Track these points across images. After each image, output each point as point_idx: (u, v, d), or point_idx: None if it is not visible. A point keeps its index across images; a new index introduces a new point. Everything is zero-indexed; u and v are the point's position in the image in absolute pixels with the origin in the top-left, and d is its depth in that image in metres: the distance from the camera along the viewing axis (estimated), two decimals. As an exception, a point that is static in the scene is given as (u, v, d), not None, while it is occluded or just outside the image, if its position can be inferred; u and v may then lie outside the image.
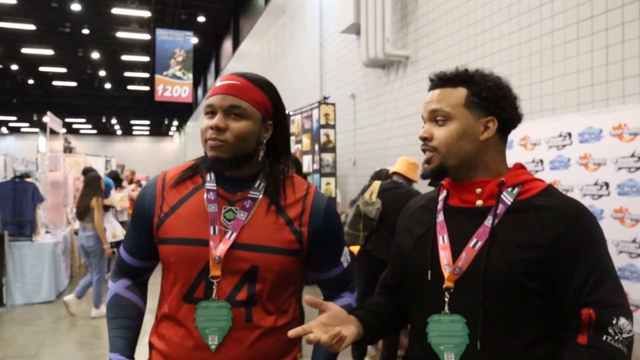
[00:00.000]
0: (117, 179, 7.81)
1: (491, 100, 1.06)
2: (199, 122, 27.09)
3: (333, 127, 6.60)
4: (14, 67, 23.38)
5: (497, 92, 1.08)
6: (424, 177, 1.12)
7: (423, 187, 4.20)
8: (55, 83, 27.07)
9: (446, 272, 1.02)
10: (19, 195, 6.45)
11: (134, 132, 38.44)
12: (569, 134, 4.13)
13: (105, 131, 37.20)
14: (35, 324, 5.20)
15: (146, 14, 16.56)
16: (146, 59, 21.14)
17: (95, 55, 21.94)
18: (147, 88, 26.60)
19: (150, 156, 36.04)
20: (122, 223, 7.26)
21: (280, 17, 12.11)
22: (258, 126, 1.18)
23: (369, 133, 7.50)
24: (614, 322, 0.91)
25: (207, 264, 1.13)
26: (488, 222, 1.02)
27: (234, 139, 1.13)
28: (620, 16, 3.77)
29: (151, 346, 1.24)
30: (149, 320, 1.29)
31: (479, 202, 1.06)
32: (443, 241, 1.06)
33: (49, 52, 20.71)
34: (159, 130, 38.47)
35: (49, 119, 8.12)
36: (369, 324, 1.14)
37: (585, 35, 4.05)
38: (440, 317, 1.02)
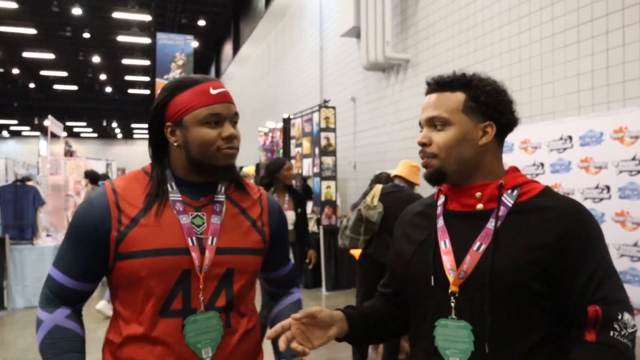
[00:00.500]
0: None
1: (489, 105, 1.06)
2: (199, 126, 27.28)
3: (333, 130, 6.60)
4: (15, 71, 23.42)
5: (495, 96, 1.07)
6: (427, 180, 1.11)
7: (425, 190, 4.20)
8: (56, 87, 27.13)
9: (451, 276, 1.02)
10: (20, 198, 6.46)
11: (135, 136, 38.45)
12: (570, 137, 4.12)
13: (105, 135, 37.24)
14: (33, 330, 5.17)
15: (147, 18, 16.60)
16: (147, 62, 21.17)
17: (96, 59, 21.98)
18: (147, 92, 26.66)
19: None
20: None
21: (280, 20, 12.14)
22: None
23: (369, 136, 7.50)
24: (619, 317, 0.93)
25: (184, 274, 1.09)
26: (490, 224, 1.02)
27: (239, 146, 1.19)
28: (621, 19, 3.77)
29: None
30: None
31: (480, 206, 1.06)
32: (445, 246, 1.05)
33: (50, 56, 20.76)
34: (159, 134, 38.39)
35: (49, 122, 8.12)
36: (355, 322, 1.13)
37: (585, 38, 4.05)
38: (447, 322, 1.01)
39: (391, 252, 1.24)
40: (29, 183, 6.83)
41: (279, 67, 12.26)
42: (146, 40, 18.18)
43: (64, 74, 24.26)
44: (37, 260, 6.08)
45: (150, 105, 1.20)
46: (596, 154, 3.92)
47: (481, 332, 0.97)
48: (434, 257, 1.06)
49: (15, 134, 36.06)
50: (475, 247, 1.01)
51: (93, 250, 1.10)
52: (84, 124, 34.03)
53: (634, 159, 3.65)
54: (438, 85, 1.10)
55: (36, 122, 29.55)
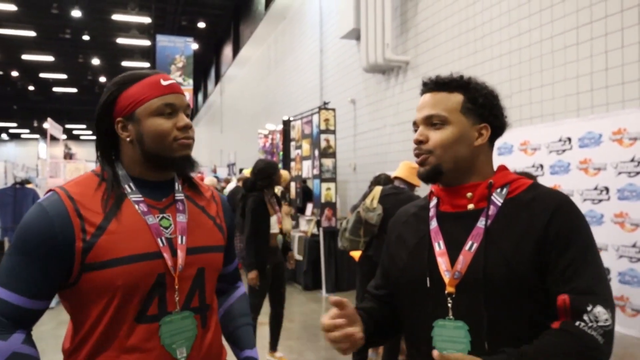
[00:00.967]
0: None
1: (486, 108, 1.09)
2: (198, 128, 26.80)
3: (333, 132, 6.61)
4: (15, 73, 23.44)
5: (492, 100, 1.11)
6: (420, 178, 1.13)
7: (425, 192, 4.20)
8: (55, 89, 27.14)
9: (446, 277, 1.03)
10: (19, 201, 6.45)
11: (134, 138, 38.48)
12: (569, 139, 4.13)
13: (105, 137, 37.23)
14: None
15: (146, 20, 16.63)
16: (146, 65, 21.20)
17: (95, 61, 22.01)
18: (147, 94, 26.65)
19: (151, 162, 35.88)
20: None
21: (280, 22, 12.16)
22: None
23: (369, 138, 7.51)
24: (589, 309, 0.91)
25: (159, 277, 1.06)
26: (481, 223, 1.03)
27: (194, 137, 1.17)
28: (620, 21, 3.79)
29: None
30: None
31: (471, 206, 1.08)
32: (439, 247, 1.07)
33: (50, 58, 20.80)
34: (159, 136, 38.40)
35: (49, 125, 8.13)
36: (368, 326, 1.14)
37: (584, 40, 4.06)
38: (445, 323, 1.02)
39: (384, 254, 1.25)
40: (29, 186, 6.83)
41: (278, 69, 12.27)
42: (146, 43, 18.20)
43: (64, 76, 24.28)
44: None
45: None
46: (595, 155, 3.93)
47: (479, 331, 0.98)
48: (429, 259, 1.07)
49: (15, 137, 36.09)
50: (467, 247, 1.02)
51: (52, 264, 1.00)
52: (84, 126, 34.04)
53: (632, 160, 3.66)
54: (436, 85, 1.11)
55: (35, 124, 29.58)
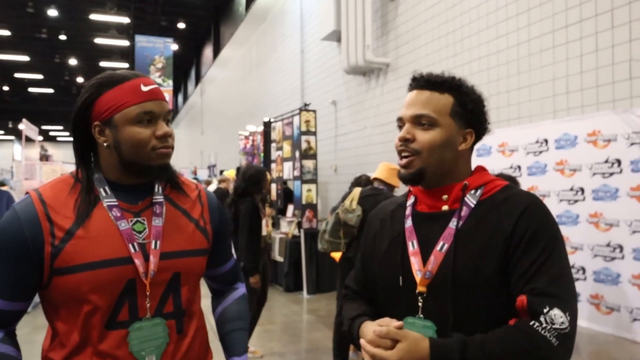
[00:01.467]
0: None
1: (474, 113, 1.08)
2: (178, 129, 26.44)
3: (314, 133, 6.61)
4: (-11, 73, 22.94)
5: (480, 106, 1.10)
6: (402, 180, 1.12)
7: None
8: (31, 90, 26.60)
9: (418, 277, 1.04)
10: (-7, 204, 6.29)
11: (113, 140, 37.97)
12: (546, 141, 4.20)
13: (83, 138, 36.65)
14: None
15: (125, 20, 16.43)
16: (125, 65, 20.92)
17: (72, 61, 21.64)
18: (126, 95, 26.31)
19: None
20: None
21: (261, 24, 12.12)
22: None
23: (350, 140, 7.54)
24: (545, 311, 0.91)
25: (129, 283, 1.04)
26: (452, 224, 1.04)
27: (174, 145, 1.14)
28: (594, 25, 3.87)
29: None
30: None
31: (445, 207, 1.08)
32: (413, 247, 1.07)
33: (25, 58, 20.36)
34: (138, 138, 37.95)
35: (24, 126, 7.97)
36: None
37: (560, 43, 4.14)
38: (414, 321, 1.03)
39: (364, 250, 1.23)
40: (3, 188, 6.65)
41: (260, 70, 12.24)
42: (125, 43, 17.98)
43: (40, 76, 23.81)
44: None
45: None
46: (571, 156, 4.01)
47: (446, 331, 0.98)
48: (402, 258, 1.08)
49: (-11, 138, 35.21)
50: (438, 247, 1.03)
51: (24, 268, 1.00)
52: (61, 127, 33.44)
53: (606, 161, 3.74)
54: (428, 83, 1.08)
55: (10, 125, 28.93)
